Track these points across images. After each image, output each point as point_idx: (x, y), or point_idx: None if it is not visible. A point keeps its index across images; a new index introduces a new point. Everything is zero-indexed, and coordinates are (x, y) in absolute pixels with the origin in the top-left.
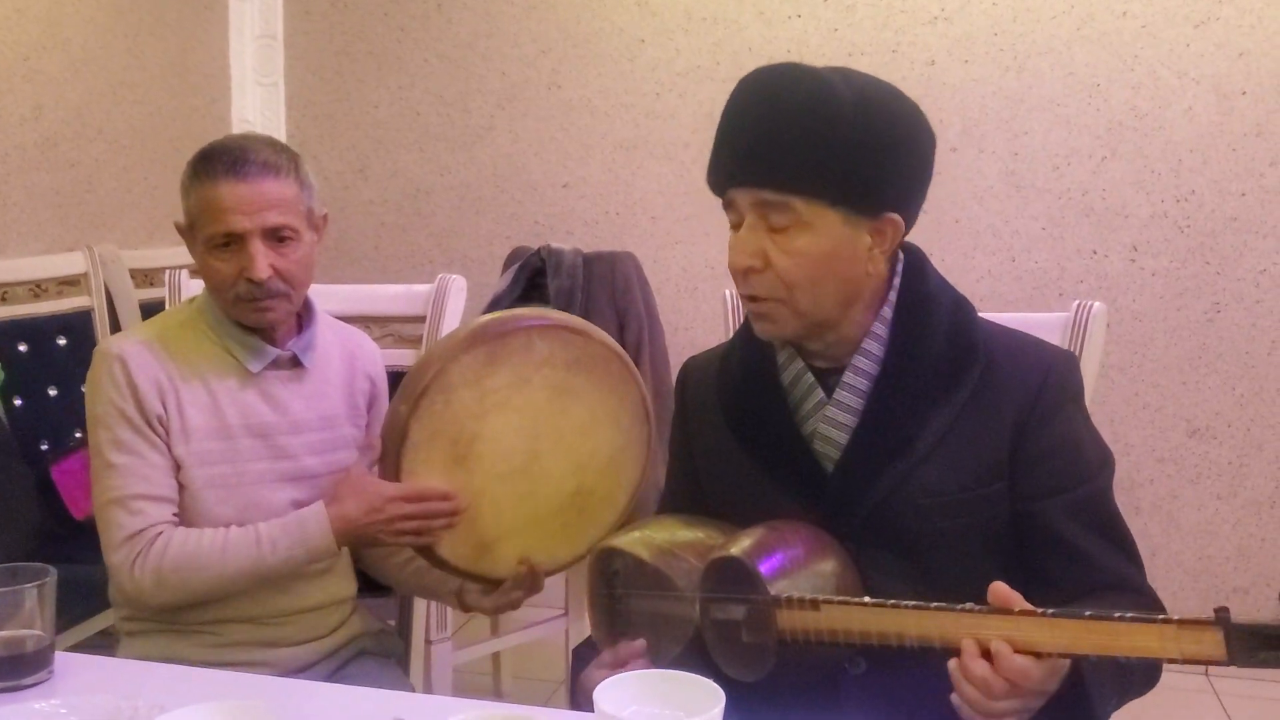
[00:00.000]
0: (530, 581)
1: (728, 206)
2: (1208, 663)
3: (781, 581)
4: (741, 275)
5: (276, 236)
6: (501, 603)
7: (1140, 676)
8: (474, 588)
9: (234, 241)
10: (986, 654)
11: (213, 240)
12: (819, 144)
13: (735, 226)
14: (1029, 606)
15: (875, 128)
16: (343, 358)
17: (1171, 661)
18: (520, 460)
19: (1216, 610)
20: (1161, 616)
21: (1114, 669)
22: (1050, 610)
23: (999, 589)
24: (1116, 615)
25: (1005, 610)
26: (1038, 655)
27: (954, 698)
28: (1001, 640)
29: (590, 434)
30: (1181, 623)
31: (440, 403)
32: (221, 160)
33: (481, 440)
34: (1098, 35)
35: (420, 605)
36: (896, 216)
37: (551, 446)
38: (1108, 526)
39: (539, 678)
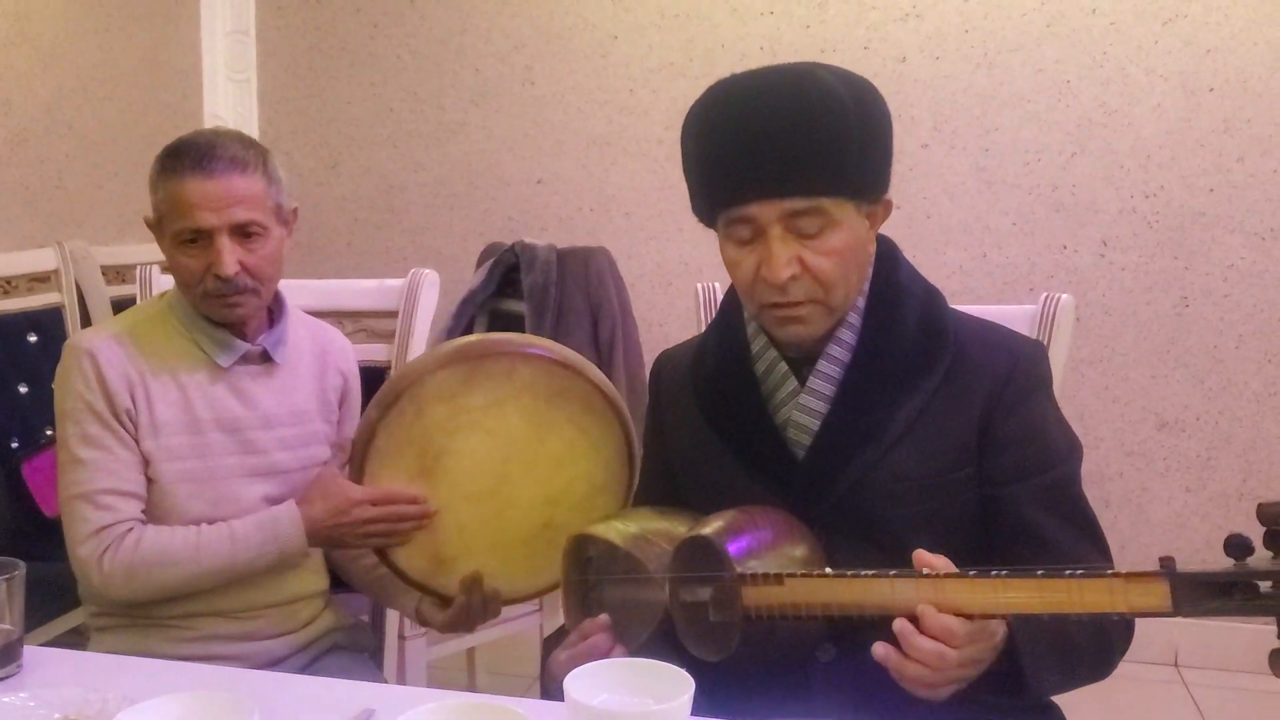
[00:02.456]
0: (483, 605)
1: (739, 222)
2: (1155, 614)
3: (750, 562)
4: (781, 286)
5: (244, 232)
6: (453, 621)
7: (1085, 658)
8: (431, 601)
9: (201, 237)
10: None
11: (180, 236)
12: (834, 143)
13: (744, 241)
14: (954, 569)
15: (872, 116)
16: (314, 353)
17: (1120, 615)
18: (489, 482)
19: (1161, 559)
20: (1110, 570)
21: (1052, 644)
22: (1004, 570)
23: (920, 555)
24: (1067, 572)
25: (960, 574)
26: (973, 615)
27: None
28: (956, 603)
29: (566, 468)
30: (1129, 576)
31: (411, 413)
32: (189, 156)
33: (449, 455)
34: (1067, 32)
35: None
36: (889, 197)
37: (523, 474)
38: (1074, 512)
39: (513, 673)
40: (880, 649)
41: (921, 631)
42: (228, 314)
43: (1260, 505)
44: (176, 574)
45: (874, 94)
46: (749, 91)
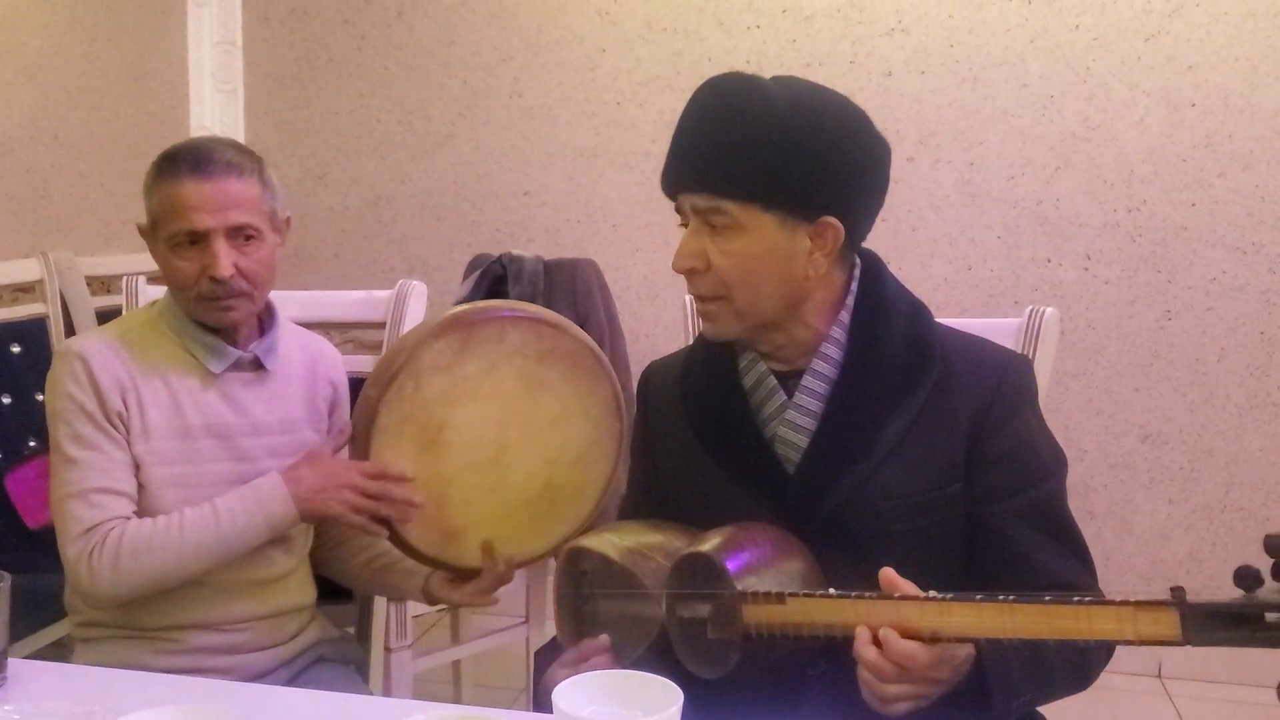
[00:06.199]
0: (500, 571)
1: (678, 210)
2: (1164, 643)
3: (748, 578)
4: (686, 276)
5: (240, 235)
6: (472, 593)
7: (1064, 672)
8: (441, 577)
9: (198, 240)
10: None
11: (175, 238)
12: (748, 150)
13: (683, 229)
14: (919, 592)
15: (807, 132)
16: (304, 362)
17: (1128, 644)
18: (490, 449)
19: (1172, 589)
20: (1119, 598)
21: (1023, 664)
22: (1012, 596)
23: (887, 574)
24: (1075, 599)
25: (967, 598)
26: (928, 639)
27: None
28: (960, 627)
29: (561, 427)
30: (1138, 604)
31: (410, 388)
32: (186, 159)
33: (451, 427)
34: (1051, 48)
35: (380, 612)
36: (834, 220)
37: (521, 437)
38: (1060, 530)
39: (499, 685)
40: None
41: (884, 656)
42: (221, 317)
43: (1268, 536)
44: (163, 558)
45: (829, 113)
46: (699, 93)
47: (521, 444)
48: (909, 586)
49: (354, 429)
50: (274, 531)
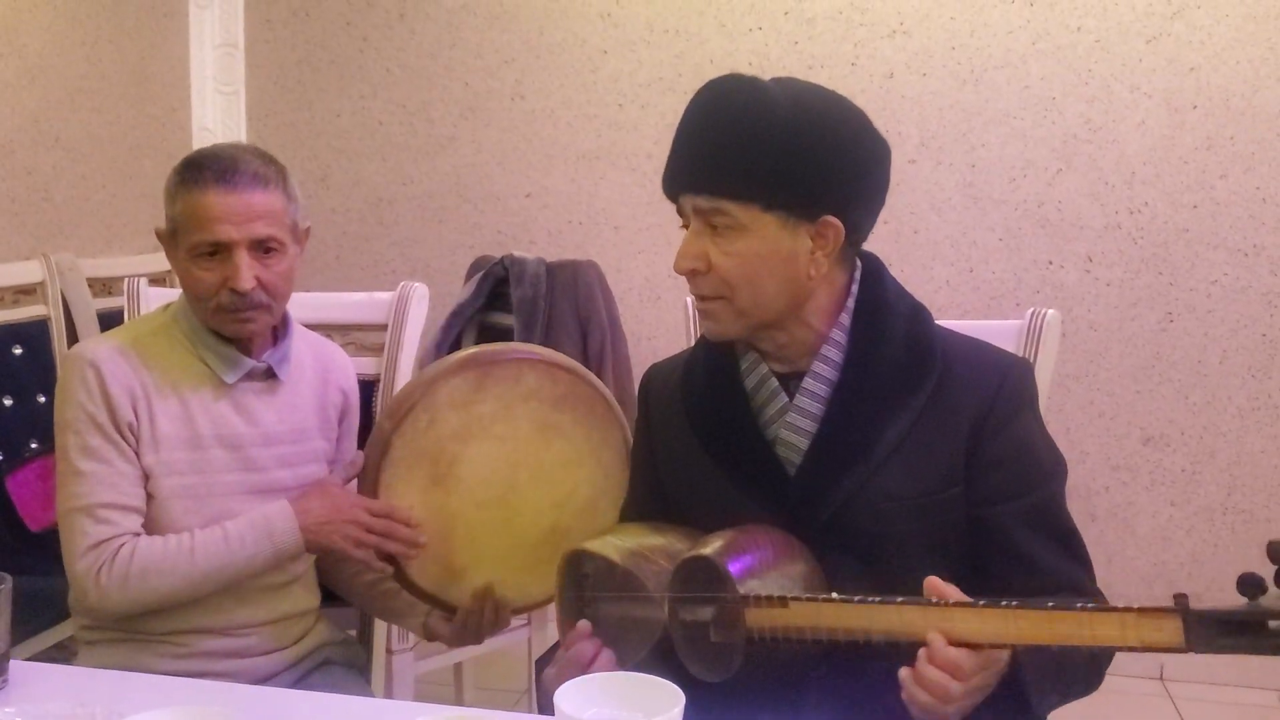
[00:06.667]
0: (494, 615)
1: (679, 211)
2: (1166, 650)
3: (751, 582)
4: (687, 277)
5: (263, 248)
6: (462, 632)
7: (1080, 677)
8: (440, 615)
9: (219, 251)
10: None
11: (197, 249)
12: (748, 151)
13: (685, 230)
14: (965, 598)
15: (808, 133)
16: (316, 369)
17: (1131, 650)
18: (499, 489)
19: (1175, 597)
20: (1121, 605)
21: (1054, 667)
22: (1014, 602)
23: (934, 582)
24: (1079, 605)
25: (969, 603)
26: (980, 646)
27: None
28: (963, 632)
29: (571, 472)
30: (1141, 611)
31: (425, 421)
32: (211, 168)
33: (462, 463)
34: (1053, 50)
35: None
36: (834, 220)
37: (531, 479)
38: (1059, 532)
39: (501, 688)
40: (905, 672)
41: (930, 662)
42: (239, 329)
43: (1271, 543)
44: (173, 580)
45: (830, 114)
46: (700, 94)
47: (530, 485)
48: (954, 591)
49: (366, 459)
50: (280, 560)
